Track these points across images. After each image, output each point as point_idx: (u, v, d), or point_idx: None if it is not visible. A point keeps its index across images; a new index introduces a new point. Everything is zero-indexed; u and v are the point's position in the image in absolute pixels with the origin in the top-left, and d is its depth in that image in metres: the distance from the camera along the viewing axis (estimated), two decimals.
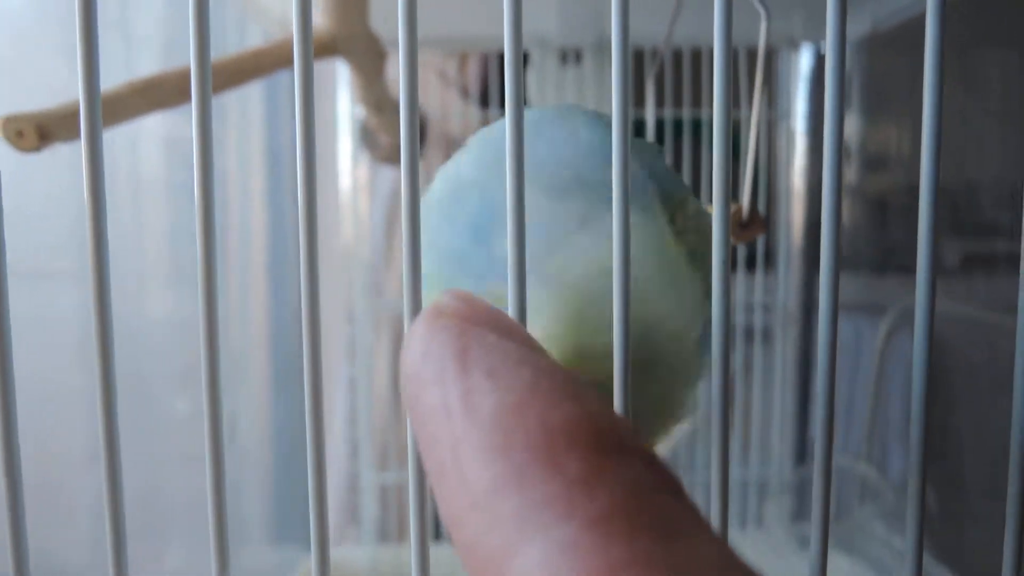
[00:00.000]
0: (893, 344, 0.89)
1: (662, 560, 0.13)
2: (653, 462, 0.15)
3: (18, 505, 0.20)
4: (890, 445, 0.92)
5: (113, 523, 0.20)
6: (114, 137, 0.86)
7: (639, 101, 0.82)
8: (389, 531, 1.14)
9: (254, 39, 0.84)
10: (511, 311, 0.23)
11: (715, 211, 0.22)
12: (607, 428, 0.15)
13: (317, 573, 0.23)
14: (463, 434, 0.15)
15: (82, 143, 0.20)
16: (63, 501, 0.76)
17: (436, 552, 0.26)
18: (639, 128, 0.79)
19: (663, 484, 0.15)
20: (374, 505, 1.04)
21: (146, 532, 0.86)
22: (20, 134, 0.38)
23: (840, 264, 0.23)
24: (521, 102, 0.22)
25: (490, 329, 0.17)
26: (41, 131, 0.38)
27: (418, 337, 0.18)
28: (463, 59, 1.15)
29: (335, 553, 1.09)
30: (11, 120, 0.38)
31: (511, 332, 0.18)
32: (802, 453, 1.06)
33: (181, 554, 0.88)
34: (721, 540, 0.14)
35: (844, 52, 0.23)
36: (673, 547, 0.13)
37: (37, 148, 0.38)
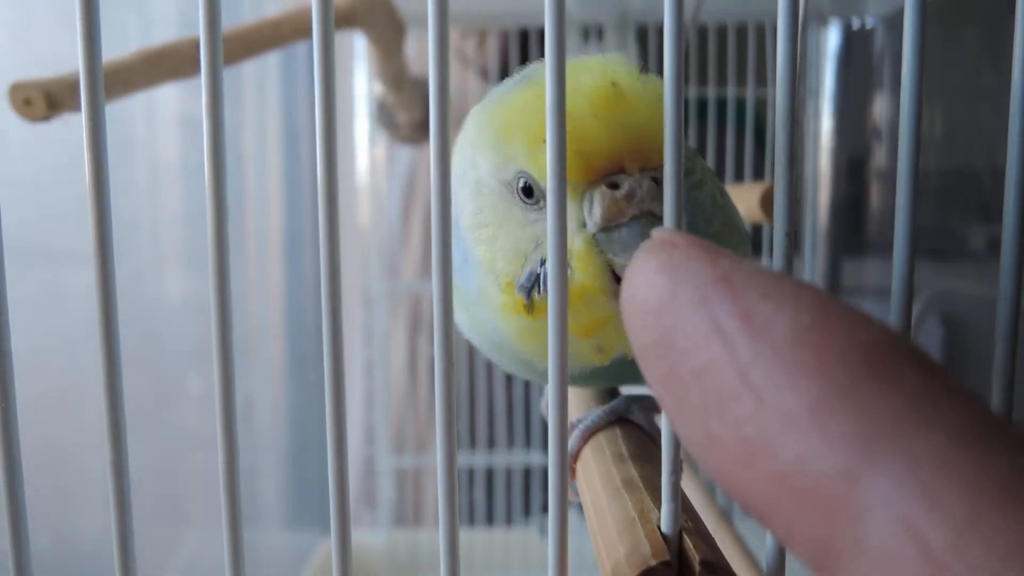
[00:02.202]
0: (921, 327, 0.87)
1: None
2: (956, 377, 0.14)
3: (17, 496, 0.19)
4: None
5: (119, 507, 0.19)
6: (131, 116, 0.85)
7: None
8: (405, 515, 1.13)
9: (271, 8, 0.82)
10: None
11: (777, 199, 0.21)
12: (915, 347, 0.14)
13: (337, 559, 0.22)
14: (753, 357, 0.14)
15: (82, 105, 0.19)
16: (79, 482, 0.76)
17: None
18: None
19: (985, 403, 0.13)
20: (390, 489, 1.03)
21: (164, 514, 0.86)
22: (28, 102, 0.37)
23: (914, 257, 0.22)
24: (563, 75, 0.20)
25: (738, 259, 0.16)
26: (50, 99, 0.37)
27: (655, 268, 0.16)
28: (482, 38, 1.13)
29: (351, 537, 1.09)
30: (19, 87, 0.37)
31: (753, 263, 0.16)
32: None
33: (199, 536, 0.88)
34: None
35: (923, 37, 0.22)
36: None
37: (46, 117, 0.37)
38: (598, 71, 0.28)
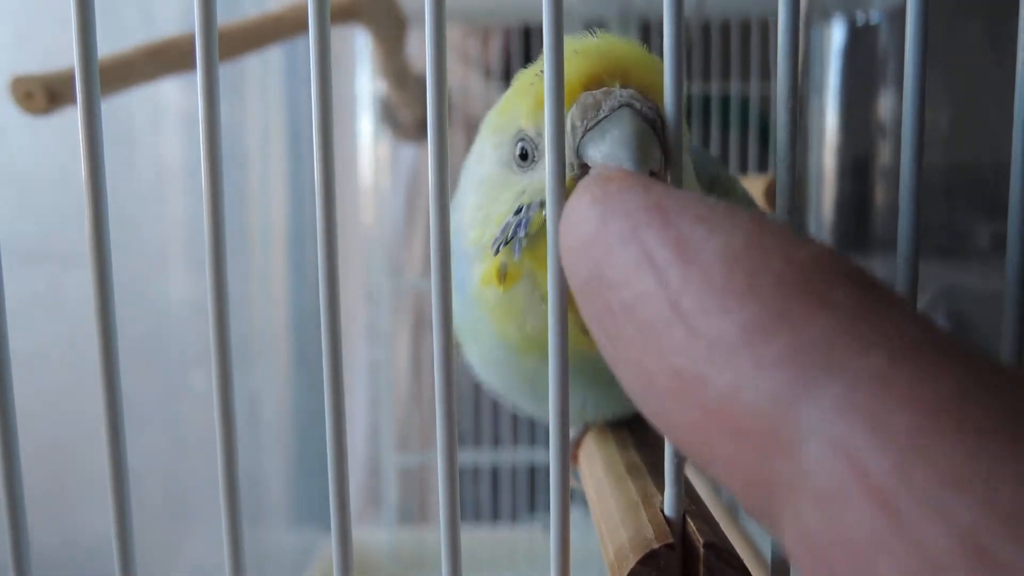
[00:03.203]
0: None
1: (994, 391, 0.11)
2: (894, 292, 0.13)
3: (16, 497, 0.19)
4: None
5: (118, 507, 0.19)
6: (135, 116, 0.86)
7: None
8: (410, 513, 1.13)
9: (273, 2, 0.82)
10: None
11: (779, 185, 0.21)
12: (853, 264, 0.13)
13: (338, 558, 0.22)
14: (683, 284, 0.13)
15: (78, 97, 0.19)
16: (84, 481, 0.76)
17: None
18: None
19: (930, 318, 0.13)
20: (395, 487, 1.03)
21: (170, 513, 0.86)
22: (29, 95, 0.37)
23: (918, 254, 0.21)
24: (561, 75, 0.20)
25: (673, 188, 0.15)
26: (50, 93, 0.37)
27: (588, 202, 0.15)
28: (485, 37, 1.13)
29: (356, 535, 1.09)
30: (20, 81, 0.37)
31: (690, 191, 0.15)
32: None
33: (205, 535, 0.88)
34: None
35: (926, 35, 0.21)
36: (1000, 378, 0.11)
37: (47, 110, 0.37)
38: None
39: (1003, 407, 0.11)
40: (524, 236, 0.27)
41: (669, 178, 0.21)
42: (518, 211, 0.27)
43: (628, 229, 0.15)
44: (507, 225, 0.27)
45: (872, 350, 0.12)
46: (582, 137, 0.24)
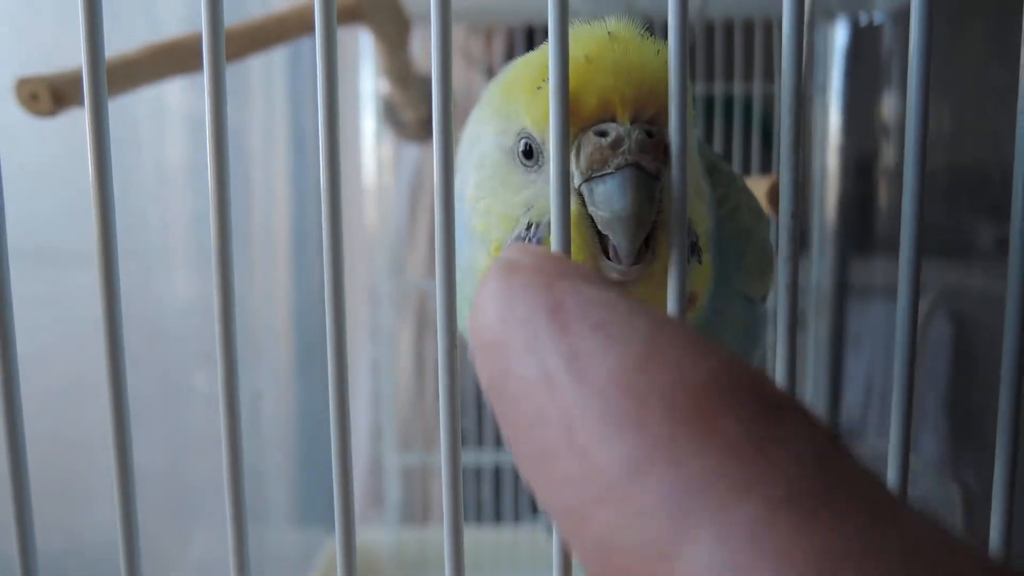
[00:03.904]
0: (929, 325, 0.87)
1: (882, 549, 0.10)
2: (813, 417, 0.12)
3: (23, 491, 0.19)
4: (923, 427, 0.89)
5: (123, 504, 0.19)
6: (139, 116, 0.86)
7: None
8: (413, 513, 1.13)
9: (277, 3, 0.82)
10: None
11: (782, 201, 0.21)
12: (755, 380, 0.12)
13: (342, 558, 0.22)
14: (578, 407, 0.13)
15: (86, 98, 0.19)
16: (91, 480, 0.76)
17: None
18: None
19: (836, 445, 0.12)
20: (397, 487, 1.03)
21: (175, 512, 0.86)
22: (34, 97, 0.37)
23: (920, 255, 0.21)
24: (566, 70, 0.20)
25: (581, 279, 0.15)
26: (56, 94, 0.37)
27: (493, 297, 0.15)
28: (488, 37, 1.13)
29: (358, 535, 1.09)
30: (25, 82, 0.37)
31: (605, 282, 0.15)
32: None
33: (210, 534, 0.88)
34: (930, 515, 0.11)
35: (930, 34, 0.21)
36: (888, 532, 0.10)
37: (52, 112, 0.37)
38: (597, 25, 0.27)
39: (885, 572, 0.10)
40: None
41: (672, 184, 0.21)
42: (528, 226, 0.27)
43: (527, 337, 0.14)
44: (519, 237, 0.27)
45: (750, 496, 0.11)
46: (586, 180, 0.25)
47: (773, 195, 0.55)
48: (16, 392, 0.20)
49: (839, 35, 0.96)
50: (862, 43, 0.98)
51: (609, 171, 0.24)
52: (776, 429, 0.12)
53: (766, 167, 0.92)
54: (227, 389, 0.20)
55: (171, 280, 0.92)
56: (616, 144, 0.24)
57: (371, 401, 1.13)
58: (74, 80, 0.37)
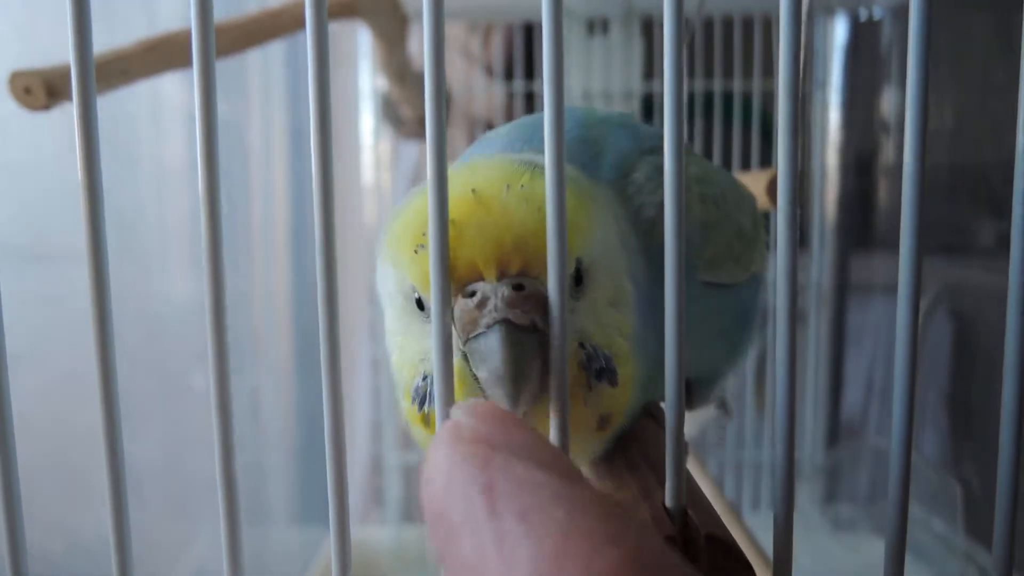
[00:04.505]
0: (930, 322, 0.87)
1: None
2: None
3: (12, 492, 0.19)
4: (924, 424, 0.89)
5: (115, 505, 0.19)
6: (137, 115, 0.85)
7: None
8: (413, 511, 1.13)
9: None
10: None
11: (781, 189, 0.20)
12: (661, 565, 0.14)
13: (336, 557, 0.22)
14: None
15: (74, 92, 0.18)
16: (83, 478, 0.76)
17: None
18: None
19: None
20: (398, 485, 1.03)
21: (175, 512, 0.86)
22: (28, 90, 0.37)
23: (921, 252, 0.21)
24: (561, 73, 0.20)
25: (515, 456, 0.16)
26: (49, 88, 0.36)
27: (439, 465, 0.17)
28: (487, 35, 1.13)
29: (359, 533, 1.09)
30: (19, 76, 0.37)
31: (537, 454, 0.17)
32: (834, 435, 1.04)
33: (210, 534, 0.88)
34: None
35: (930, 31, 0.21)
36: None
37: (46, 106, 0.37)
38: (466, 177, 0.27)
39: None
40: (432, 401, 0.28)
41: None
42: (424, 376, 0.28)
43: (465, 513, 0.16)
44: (417, 388, 0.28)
45: None
46: (465, 340, 0.25)
47: (772, 188, 0.55)
48: (6, 392, 0.20)
49: (839, 30, 0.96)
50: (862, 39, 0.98)
51: (481, 331, 0.25)
52: None
53: (766, 163, 0.92)
54: (219, 386, 0.20)
55: (169, 278, 0.92)
56: (482, 303, 0.25)
57: (371, 399, 1.13)
58: (68, 74, 0.37)
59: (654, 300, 0.27)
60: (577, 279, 0.28)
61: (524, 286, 0.25)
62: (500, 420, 0.18)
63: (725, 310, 0.37)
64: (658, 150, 0.31)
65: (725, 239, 0.36)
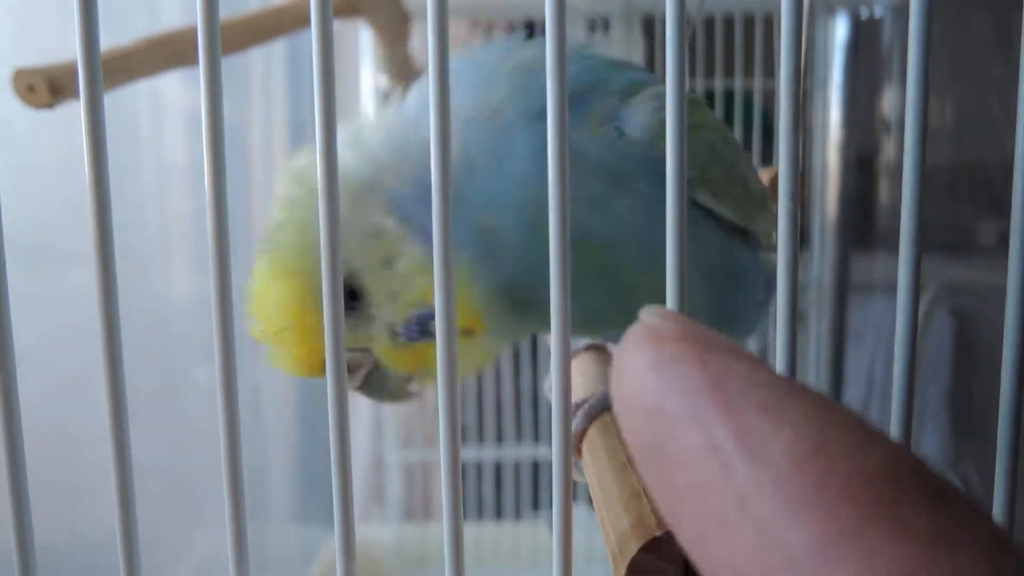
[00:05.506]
0: (930, 321, 0.87)
1: None
2: (976, 504, 0.13)
3: (21, 487, 0.19)
4: (924, 423, 0.89)
5: (122, 502, 0.19)
6: (138, 113, 0.85)
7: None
8: (414, 510, 1.13)
9: None
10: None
11: (782, 183, 0.21)
12: (924, 470, 0.13)
13: (341, 555, 0.22)
14: (752, 482, 0.13)
15: (81, 90, 0.19)
16: (91, 477, 0.76)
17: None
18: None
19: (1005, 538, 0.12)
20: (399, 484, 1.04)
21: (178, 509, 0.86)
22: (31, 88, 0.37)
23: (921, 251, 0.21)
24: (563, 72, 0.20)
25: (729, 355, 0.15)
26: (53, 86, 0.37)
27: (644, 366, 0.15)
28: (488, 32, 1.13)
29: (359, 532, 1.09)
30: (22, 74, 0.37)
31: (752, 358, 0.15)
32: None
33: (212, 531, 0.88)
34: None
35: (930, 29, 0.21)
36: None
37: (49, 104, 0.37)
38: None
39: None
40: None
41: None
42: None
43: (689, 410, 0.14)
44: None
45: None
46: None
47: (774, 187, 0.55)
48: (13, 388, 0.20)
49: (839, 29, 0.96)
50: (862, 37, 0.98)
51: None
52: (956, 525, 0.12)
53: (767, 161, 0.92)
54: (225, 383, 0.20)
55: (172, 276, 0.92)
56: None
57: None
58: (71, 72, 0.37)
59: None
60: (352, 296, 0.33)
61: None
62: (700, 326, 0.16)
63: (714, 245, 0.37)
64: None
65: (726, 170, 0.36)
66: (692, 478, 0.14)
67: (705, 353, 0.15)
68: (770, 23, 0.88)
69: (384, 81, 0.87)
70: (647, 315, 0.16)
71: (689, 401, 0.14)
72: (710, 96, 0.90)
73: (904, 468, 0.13)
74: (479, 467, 1.07)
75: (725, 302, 0.38)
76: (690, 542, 0.14)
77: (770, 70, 0.89)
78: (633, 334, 0.16)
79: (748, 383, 0.14)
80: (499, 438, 1.08)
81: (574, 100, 0.33)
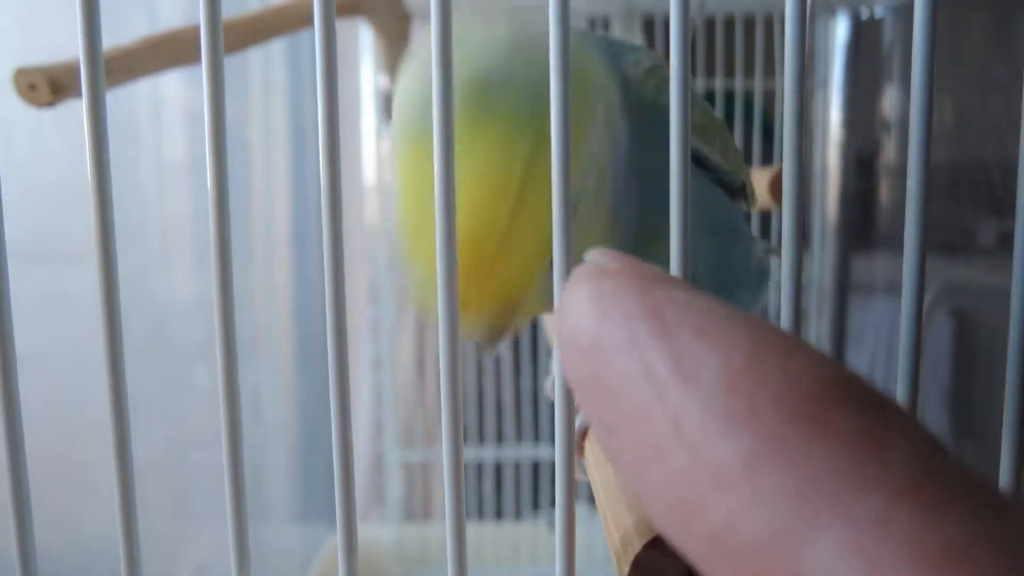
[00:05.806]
0: (931, 321, 0.87)
1: (1005, 539, 0.11)
2: (914, 418, 0.13)
3: (22, 490, 0.19)
4: (924, 423, 0.89)
5: (123, 504, 0.19)
6: (138, 113, 0.85)
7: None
8: (414, 509, 1.13)
9: None
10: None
11: (786, 183, 0.21)
12: (856, 381, 0.13)
13: (343, 555, 0.22)
14: (684, 404, 0.13)
15: (83, 88, 0.19)
16: (89, 475, 0.76)
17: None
18: None
19: (937, 442, 0.12)
20: (399, 483, 1.04)
21: (176, 510, 0.86)
22: (32, 87, 0.37)
23: (924, 252, 0.21)
24: (567, 72, 0.20)
25: (670, 286, 0.15)
26: (54, 84, 0.37)
27: (585, 300, 0.15)
28: None
29: (359, 532, 1.09)
30: (23, 73, 0.37)
31: (687, 286, 0.15)
32: None
33: (211, 532, 0.88)
34: None
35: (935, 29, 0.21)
36: (1005, 523, 0.11)
37: (50, 103, 0.37)
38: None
39: (1004, 559, 0.11)
40: None
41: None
42: None
43: (626, 339, 0.14)
44: None
45: (873, 489, 0.11)
46: None
47: (775, 186, 0.55)
48: (14, 390, 0.20)
49: (840, 29, 0.96)
50: (863, 37, 0.98)
51: None
52: (886, 428, 0.12)
53: (767, 162, 0.92)
54: (227, 385, 0.20)
55: (172, 276, 0.92)
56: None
57: (372, 398, 1.13)
58: (72, 71, 0.37)
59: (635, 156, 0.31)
60: None
61: None
62: (643, 263, 0.16)
63: (710, 196, 0.37)
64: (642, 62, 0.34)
65: (708, 116, 0.37)
66: (628, 408, 0.14)
67: (646, 285, 0.15)
68: (770, 23, 0.88)
69: (385, 81, 0.87)
70: (592, 255, 0.16)
71: (626, 330, 0.14)
72: (710, 96, 0.90)
73: (834, 378, 0.13)
74: (479, 467, 1.07)
75: (728, 260, 0.39)
76: (629, 475, 0.14)
77: (770, 70, 0.89)
78: (577, 272, 0.16)
79: (686, 308, 0.14)
80: (499, 438, 1.08)
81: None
